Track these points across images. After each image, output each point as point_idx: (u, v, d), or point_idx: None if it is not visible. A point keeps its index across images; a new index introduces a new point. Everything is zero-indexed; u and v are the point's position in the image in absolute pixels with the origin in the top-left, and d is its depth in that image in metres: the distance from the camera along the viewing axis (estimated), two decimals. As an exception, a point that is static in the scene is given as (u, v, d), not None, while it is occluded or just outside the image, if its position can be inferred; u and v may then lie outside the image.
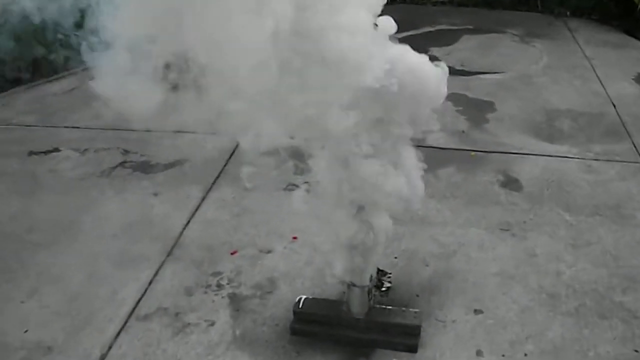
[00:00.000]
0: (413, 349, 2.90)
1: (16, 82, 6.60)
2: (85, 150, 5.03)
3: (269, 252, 3.69)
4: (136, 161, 4.83)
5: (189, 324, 3.18)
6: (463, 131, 4.99)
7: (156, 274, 3.55)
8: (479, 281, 3.33)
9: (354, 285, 2.87)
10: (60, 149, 5.05)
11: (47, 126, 5.50)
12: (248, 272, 3.53)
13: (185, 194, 4.34)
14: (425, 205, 4.01)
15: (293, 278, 3.45)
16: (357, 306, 2.93)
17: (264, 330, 3.12)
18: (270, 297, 3.33)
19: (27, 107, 5.99)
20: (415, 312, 2.95)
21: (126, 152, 4.98)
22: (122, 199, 4.33)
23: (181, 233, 3.90)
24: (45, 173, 4.71)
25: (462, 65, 6.55)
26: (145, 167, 4.73)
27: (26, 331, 3.18)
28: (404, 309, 3.00)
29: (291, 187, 4.28)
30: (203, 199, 4.28)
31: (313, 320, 3.03)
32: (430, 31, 7.94)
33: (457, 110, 5.35)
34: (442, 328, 3.04)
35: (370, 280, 2.93)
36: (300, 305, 3.06)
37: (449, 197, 4.12)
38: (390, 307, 3.00)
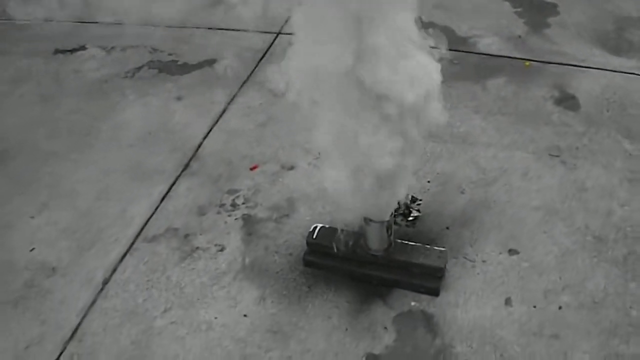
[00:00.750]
0: (434, 292, 2.60)
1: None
2: (112, 48, 4.75)
3: (291, 168, 3.39)
4: (163, 61, 4.52)
5: (197, 247, 2.97)
6: (519, 36, 4.38)
7: (170, 189, 3.33)
8: (518, 215, 2.95)
9: (371, 221, 2.54)
10: (87, 46, 4.80)
11: (76, 22, 5.21)
12: (266, 191, 3.25)
13: (210, 98, 4.05)
14: (468, 121, 3.59)
15: (314, 200, 3.15)
16: (376, 242, 2.62)
17: (275, 259, 2.87)
18: (287, 222, 3.06)
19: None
20: (440, 252, 2.61)
21: (154, 50, 4.67)
22: (144, 103, 4.07)
23: (200, 144, 3.64)
24: (69, 73, 4.49)
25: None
26: (172, 68, 4.43)
27: (32, 249, 3.06)
28: (427, 246, 2.66)
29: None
30: (228, 104, 3.97)
31: (328, 253, 2.74)
32: None
33: (515, 12, 4.69)
34: (470, 269, 2.70)
35: (394, 211, 2.61)
36: (315, 235, 2.77)
37: (496, 113, 3.64)
38: (412, 244, 2.67)
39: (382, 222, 2.53)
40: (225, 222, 3.09)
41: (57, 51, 4.77)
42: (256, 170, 3.40)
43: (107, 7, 5.38)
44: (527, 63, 4.07)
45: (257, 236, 2.99)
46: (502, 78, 3.95)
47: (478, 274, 2.69)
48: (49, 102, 4.18)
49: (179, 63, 4.47)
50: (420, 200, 3.05)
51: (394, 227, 2.72)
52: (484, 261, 2.74)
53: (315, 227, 2.80)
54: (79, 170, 3.54)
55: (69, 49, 4.79)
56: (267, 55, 4.40)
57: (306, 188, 3.24)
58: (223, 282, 2.79)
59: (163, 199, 3.27)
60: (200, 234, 3.04)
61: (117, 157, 3.61)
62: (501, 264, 2.72)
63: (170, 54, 4.58)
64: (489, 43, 4.32)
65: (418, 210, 2.99)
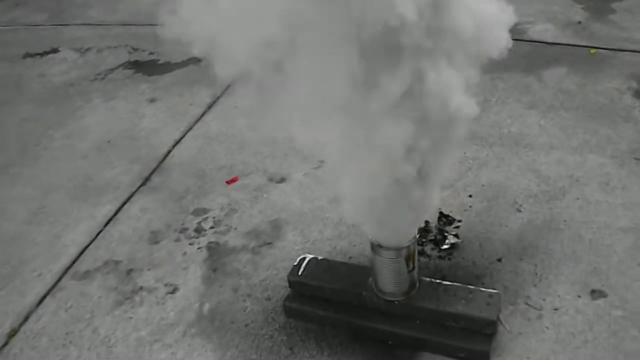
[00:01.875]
0: (482, 358, 1.67)
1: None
2: (87, 49, 4.10)
3: (282, 180, 2.56)
4: (142, 61, 3.85)
5: (141, 287, 2.14)
6: (579, 22, 3.70)
7: (119, 210, 2.52)
8: (600, 241, 2.07)
9: (380, 246, 1.65)
10: (60, 49, 4.19)
11: (55, 25, 4.58)
12: (245, 211, 2.42)
13: (189, 99, 3.32)
14: (521, 118, 2.75)
15: (308, 223, 2.31)
16: (390, 282, 1.72)
17: (246, 306, 2.00)
18: (268, 252, 2.20)
19: (43, 4, 5.08)
20: (490, 296, 1.70)
21: (134, 50, 4.00)
22: (110, 107, 3.37)
23: (168, 152, 2.88)
24: (33, 78, 3.86)
25: None
26: (151, 68, 3.74)
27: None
28: (471, 287, 1.75)
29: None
30: (210, 106, 3.20)
31: (319, 298, 1.85)
32: None
33: (570, -2, 3.95)
34: (535, 320, 1.78)
35: (422, 236, 1.73)
36: (301, 271, 1.89)
37: (558, 108, 2.82)
38: (448, 284, 1.76)
39: (398, 249, 1.64)
40: (184, 253, 2.24)
41: (27, 55, 4.14)
42: (234, 182, 2.56)
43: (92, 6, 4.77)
44: (593, 51, 3.30)
45: (223, 273, 2.13)
46: (562, 68, 3.18)
47: (547, 328, 1.77)
48: (3, 109, 3.52)
49: (159, 62, 3.77)
50: (459, 221, 2.17)
51: (421, 259, 1.84)
52: (555, 309, 1.82)
53: (303, 259, 1.92)
54: (15, 186, 2.81)
55: (39, 52, 4.11)
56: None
57: (299, 206, 2.39)
58: (166, 339, 1.92)
59: (108, 222, 2.45)
60: (149, 269, 2.21)
61: (64, 170, 2.85)
62: (581, 313, 1.81)
63: (151, 53, 3.88)
64: (542, 30, 3.61)
65: (456, 235, 2.12)
